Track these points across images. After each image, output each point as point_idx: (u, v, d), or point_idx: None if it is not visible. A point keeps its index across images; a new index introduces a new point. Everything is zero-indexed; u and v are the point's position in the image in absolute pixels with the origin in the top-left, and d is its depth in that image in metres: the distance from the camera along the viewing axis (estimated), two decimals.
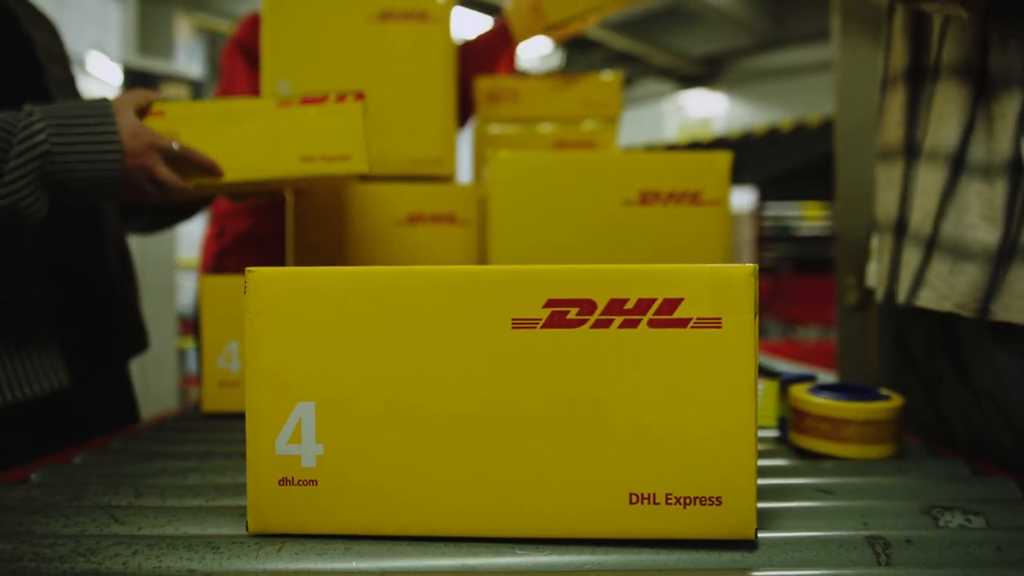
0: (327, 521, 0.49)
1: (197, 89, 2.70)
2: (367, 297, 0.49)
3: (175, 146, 0.79)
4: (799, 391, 0.76)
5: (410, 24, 1.20)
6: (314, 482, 0.49)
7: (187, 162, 0.80)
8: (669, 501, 0.47)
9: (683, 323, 0.46)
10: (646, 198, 1.00)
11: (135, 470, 0.68)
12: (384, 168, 1.17)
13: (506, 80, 1.59)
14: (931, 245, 0.69)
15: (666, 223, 1.00)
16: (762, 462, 0.72)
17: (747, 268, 0.46)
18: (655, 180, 1.00)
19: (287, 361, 0.49)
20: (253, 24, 1.59)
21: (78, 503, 0.59)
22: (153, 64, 2.65)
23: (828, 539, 0.49)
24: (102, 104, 0.77)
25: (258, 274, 0.49)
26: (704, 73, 6.83)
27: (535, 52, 4.66)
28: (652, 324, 0.47)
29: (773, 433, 0.82)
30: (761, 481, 0.64)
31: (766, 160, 4.80)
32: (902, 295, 0.73)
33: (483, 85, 1.59)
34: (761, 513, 0.55)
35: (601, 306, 0.47)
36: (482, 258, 1.17)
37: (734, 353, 0.46)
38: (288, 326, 0.49)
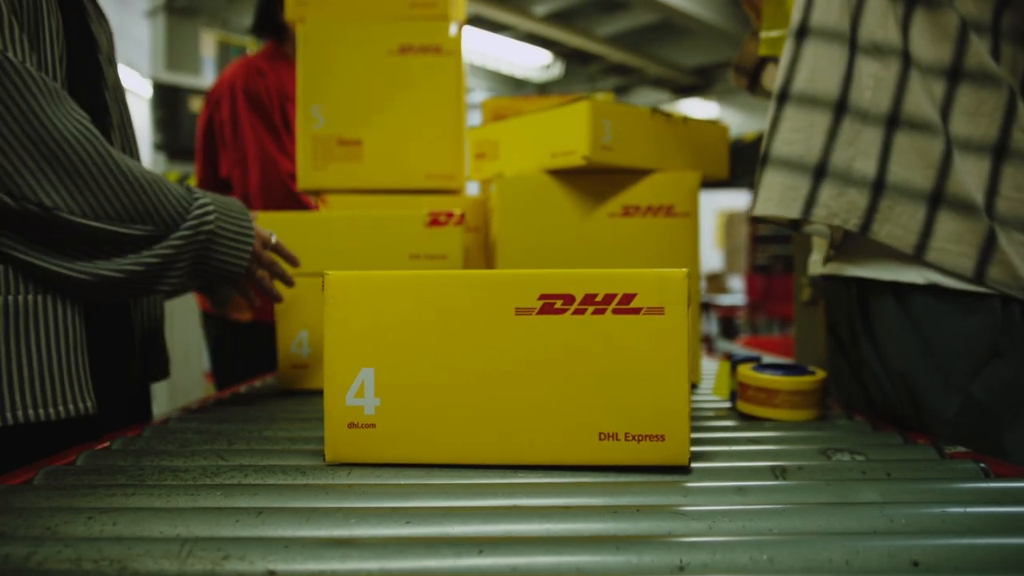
0: (383, 453, 0.68)
1: None
2: (411, 293, 0.68)
3: (273, 238, 0.99)
4: (745, 369, 0.94)
5: (426, 56, 1.38)
6: (373, 425, 0.68)
7: (279, 252, 1.00)
8: (627, 438, 0.66)
9: (637, 311, 0.65)
10: (628, 211, 1.19)
11: (221, 428, 0.87)
12: (404, 183, 1.35)
13: (510, 101, 1.78)
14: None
15: (645, 232, 1.19)
16: (712, 423, 0.91)
17: (682, 271, 0.65)
18: (635, 196, 1.19)
19: (354, 338, 0.68)
20: (248, 69, 1.78)
21: (187, 448, 0.77)
22: (180, 79, 2.85)
23: (744, 467, 0.68)
24: (241, 203, 0.93)
25: (333, 276, 0.68)
26: (697, 83, 7.06)
27: (537, 63, 4.85)
28: (615, 312, 0.66)
29: (726, 404, 1.01)
30: (709, 435, 0.83)
31: (757, 165, 4.98)
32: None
33: (489, 105, 1.78)
34: (703, 454, 0.74)
35: (579, 299, 0.66)
36: (489, 259, 1.36)
37: (673, 332, 0.65)
38: (355, 313, 0.68)
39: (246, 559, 0.47)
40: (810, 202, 0.82)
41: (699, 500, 0.59)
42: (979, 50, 0.78)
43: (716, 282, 7.98)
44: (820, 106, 0.81)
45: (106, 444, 0.80)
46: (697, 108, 6.14)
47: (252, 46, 3.50)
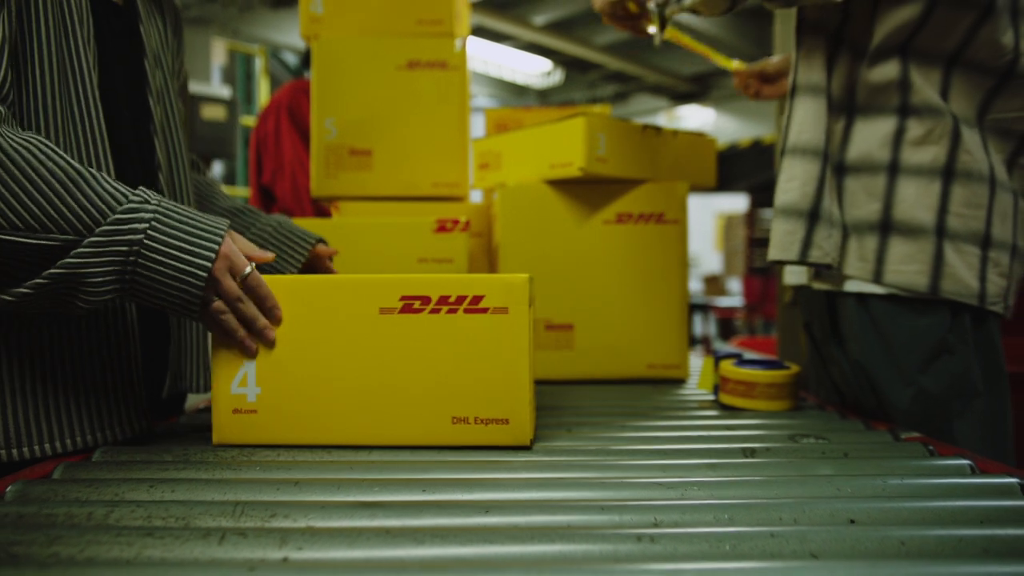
0: (263, 436, 0.78)
1: (231, 108, 2.99)
2: (288, 294, 0.77)
3: (248, 269, 0.75)
4: (726, 364, 1.03)
5: (433, 71, 1.46)
6: (255, 411, 0.77)
7: (251, 291, 0.75)
8: (477, 421, 0.76)
9: (485, 310, 0.75)
10: (621, 218, 1.28)
11: None
12: (412, 191, 1.44)
13: (511, 112, 1.87)
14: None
15: (637, 237, 1.28)
16: (695, 412, 1.00)
17: (524, 276, 0.75)
18: (628, 204, 1.28)
19: None
20: (294, 90, 1.93)
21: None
22: (193, 86, 2.94)
23: (718, 449, 0.77)
24: (219, 224, 0.74)
25: None
26: (694, 90, 7.18)
27: (537, 70, 4.95)
28: (466, 311, 0.75)
29: (710, 396, 1.10)
30: (691, 423, 0.92)
31: (753, 170, 5.07)
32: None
33: (491, 115, 1.87)
34: (684, 438, 0.82)
35: (434, 300, 0.75)
36: (491, 262, 1.45)
37: (516, 329, 0.75)
38: None
39: (290, 517, 0.56)
40: (807, 244, 0.90)
41: (675, 474, 0.68)
42: (922, 89, 0.87)
43: (715, 284, 8.06)
44: (809, 155, 0.90)
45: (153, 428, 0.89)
46: (694, 114, 6.24)
47: (260, 54, 3.58)
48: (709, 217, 9.79)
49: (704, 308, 7.38)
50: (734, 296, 7.79)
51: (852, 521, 0.56)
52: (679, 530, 0.52)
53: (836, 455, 0.76)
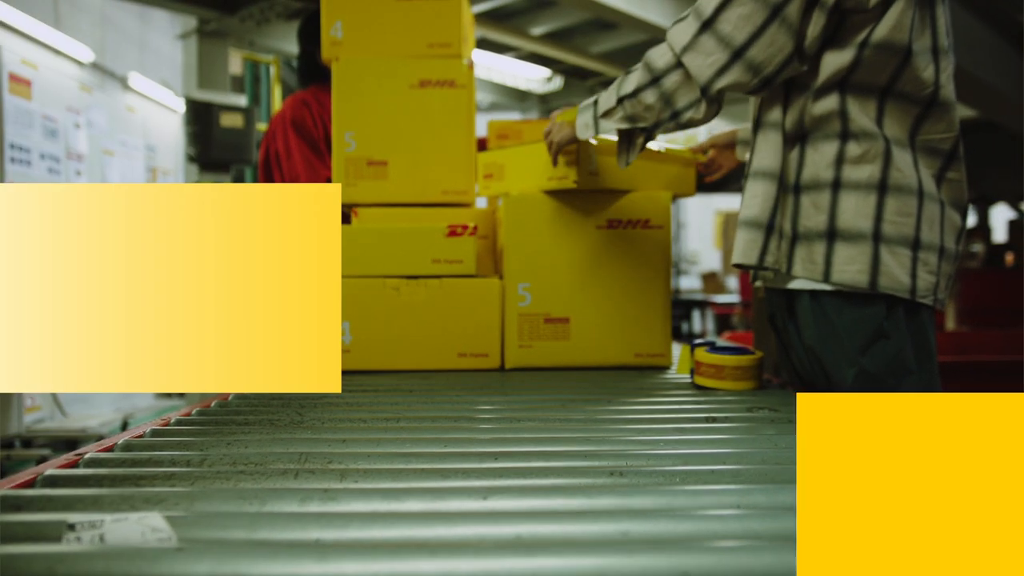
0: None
1: (248, 115, 3.15)
2: None
3: None
4: (700, 350, 1.19)
5: (443, 89, 1.62)
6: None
7: None
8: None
9: None
10: (612, 224, 1.44)
11: (290, 396, 1.13)
12: (423, 197, 1.60)
13: (511, 123, 2.04)
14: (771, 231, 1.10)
15: (626, 241, 1.44)
16: (671, 391, 1.16)
17: None
18: (618, 212, 1.44)
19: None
20: (295, 102, 2.06)
21: (271, 408, 1.03)
22: (211, 96, 3.11)
23: (687, 418, 0.94)
24: None
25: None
26: None
27: (538, 76, 5.13)
28: None
29: (687, 379, 1.27)
30: (667, 399, 1.08)
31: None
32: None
33: (494, 126, 2.03)
34: (659, 410, 0.99)
35: None
36: (497, 263, 1.61)
37: None
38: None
39: (343, 463, 0.73)
40: (764, 251, 1.09)
41: (648, 435, 0.84)
42: (858, 117, 1.03)
43: (713, 281, 8.22)
44: (768, 177, 1.08)
45: (208, 404, 1.06)
46: None
47: (274, 63, 3.75)
48: (709, 216, 9.97)
49: (702, 304, 7.54)
50: (732, 293, 7.95)
51: (778, 464, 0.72)
52: (642, 469, 0.69)
53: (782, 422, 0.92)
